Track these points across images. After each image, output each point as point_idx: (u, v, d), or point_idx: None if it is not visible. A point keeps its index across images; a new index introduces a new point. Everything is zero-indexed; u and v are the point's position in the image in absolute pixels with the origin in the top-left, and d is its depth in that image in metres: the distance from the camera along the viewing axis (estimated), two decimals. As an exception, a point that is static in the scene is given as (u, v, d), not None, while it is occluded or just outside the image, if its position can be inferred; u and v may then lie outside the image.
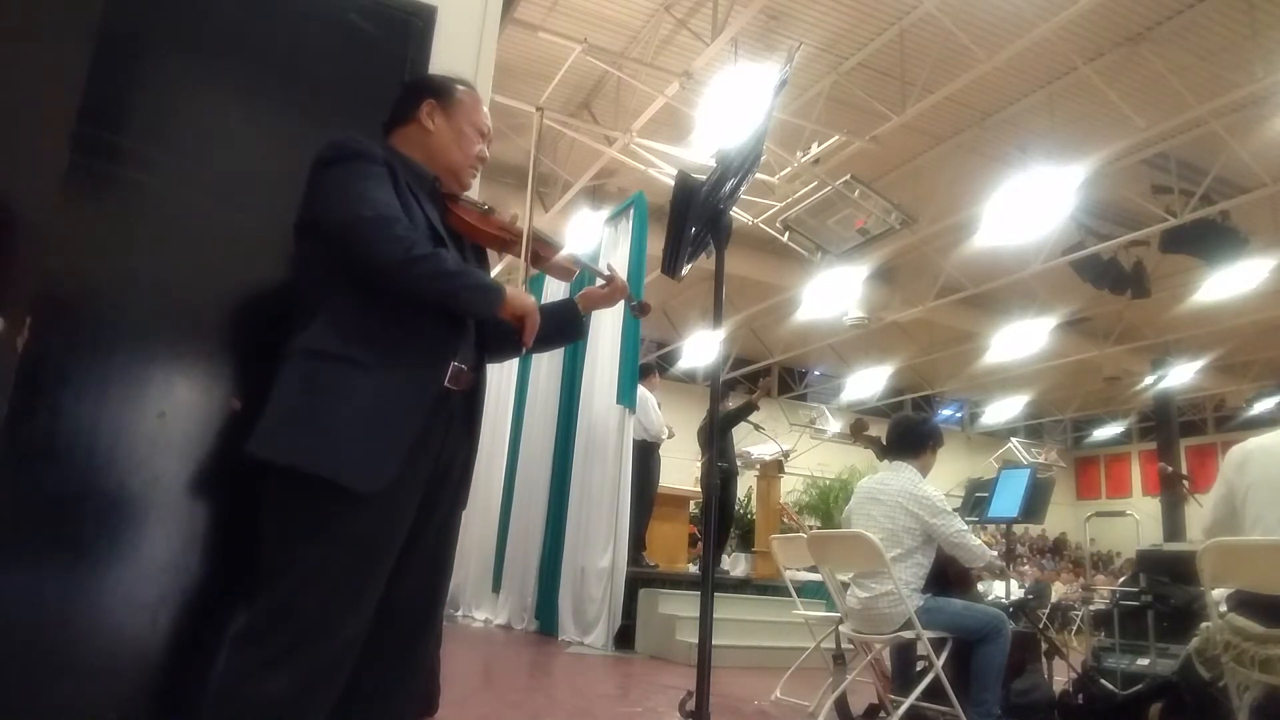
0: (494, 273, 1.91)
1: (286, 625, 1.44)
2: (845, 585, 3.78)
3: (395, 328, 1.57)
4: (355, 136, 1.64)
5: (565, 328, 1.94)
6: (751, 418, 7.49)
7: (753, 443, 8.43)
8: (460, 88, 1.84)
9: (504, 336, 1.76)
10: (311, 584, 1.46)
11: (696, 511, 8.62)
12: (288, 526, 1.50)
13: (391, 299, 1.57)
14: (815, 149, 8.91)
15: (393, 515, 1.54)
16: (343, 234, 1.55)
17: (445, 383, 1.61)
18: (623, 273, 6.70)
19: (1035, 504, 4.49)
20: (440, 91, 1.82)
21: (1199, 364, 14.81)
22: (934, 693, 3.33)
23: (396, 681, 1.62)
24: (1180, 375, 15.15)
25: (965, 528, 3.53)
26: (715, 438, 2.06)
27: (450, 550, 1.73)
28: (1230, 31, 7.43)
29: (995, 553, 3.73)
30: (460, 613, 7.56)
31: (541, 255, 1.86)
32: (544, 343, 1.91)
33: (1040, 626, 4.10)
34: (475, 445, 1.75)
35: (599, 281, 1.95)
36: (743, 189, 2.02)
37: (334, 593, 1.47)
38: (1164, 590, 3.72)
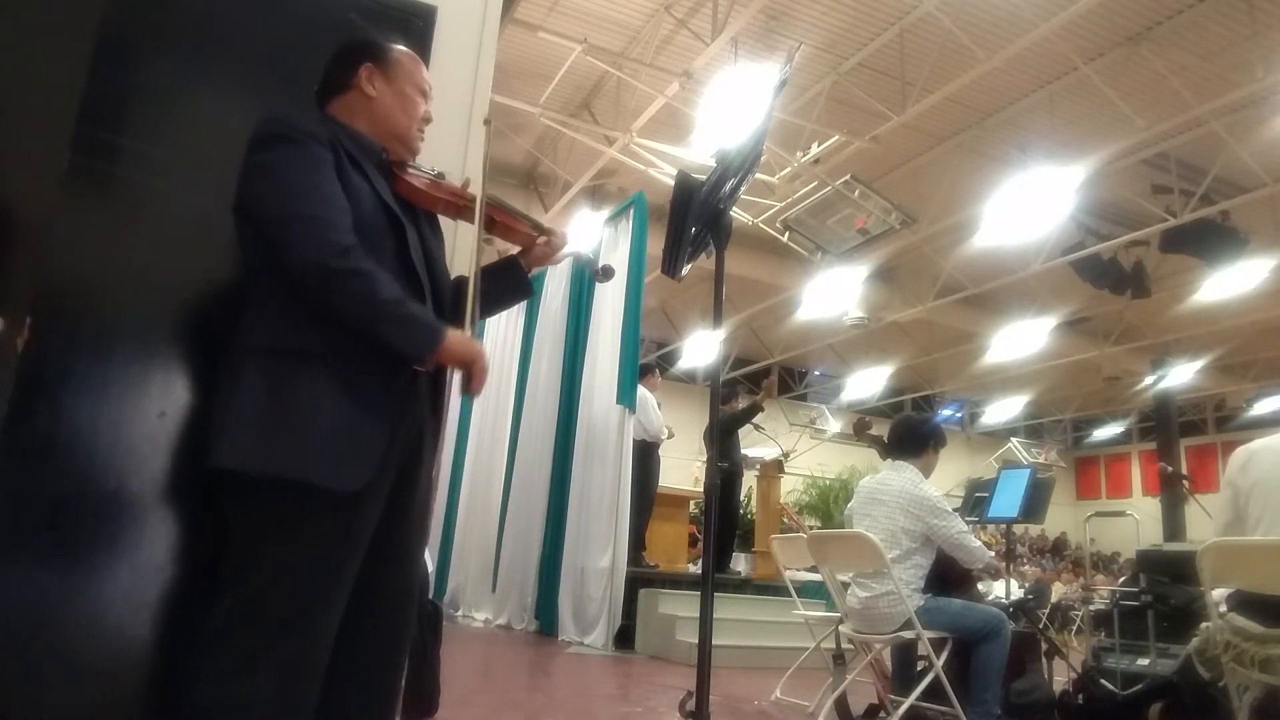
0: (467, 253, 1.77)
1: (261, 624, 1.41)
2: (845, 585, 3.78)
3: None
4: (293, 112, 1.57)
5: (513, 288, 1.87)
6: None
7: (752, 443, 8.43)
8: (397, 47, 1.75)
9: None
10: (284, 582, 1.43)
11: (697, 511, 8.62)
12: (258, 526, 1.46)
13: (313, 306, 1.46)
14: (815, 149, 8.91)
15: (365, 508, 1.49)
16: (272, 230, 1.47)
17: (412, 365, 1.55)
18: (622, 274, 6.67)
19: (1035, 504, 4.49)
20: (378, 54, 1.72)
21: (1199, 364, 14.80)
22: (934, 693, 3.33)
23: (383, 672, 1.59)
24: (1180, 375, 15.15)
25: (966, 529, 3.54)
26: (716, 438, 2.06)
27: (425, 533, 1.69)
28: (1230, 31, 7.43)
29: (993, 554, 3.74)
30: (460, 613, 7.56)
31: (497, 221, 1.79)
32: (493, 305, 1.84)
33: (1040, 626, 4.10)
34: (441, 422, 1.69)
35: (555, 249, 1.86)
36: (743, 189, 2.03)
37: (308, 589, 1.44)
38: (1164, 590, 3.72)
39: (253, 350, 1.49)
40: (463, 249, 1.70)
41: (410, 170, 1.71)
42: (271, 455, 1.42)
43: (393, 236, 1.59)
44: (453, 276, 1.80)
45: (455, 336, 1.52)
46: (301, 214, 1.46)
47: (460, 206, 1.73)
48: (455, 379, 1.61)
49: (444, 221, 1.84)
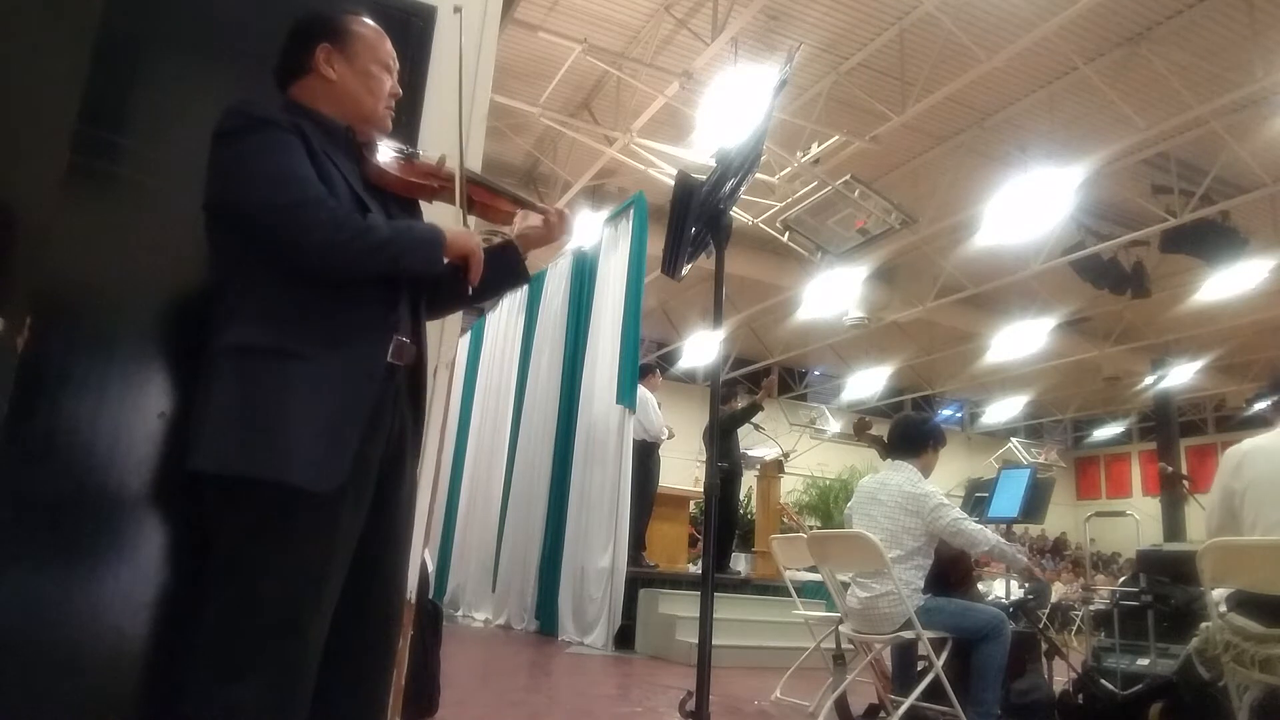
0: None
1: (249, 628, 1.39)
2: (845, 585, 3.78)
3: (328, 309, 1.47)
4: (254, 100, 1.52)
5: (507, 273, 1.78)
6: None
7: (752, 443, 8.43)
8: (356, 20, 1.65)
9: (442, 291, 1.67)
10: (270, 585, 1.40)
11: (696, 512, 8.62)
12: (241, 529, 1.43)
13: (329, 283, 1.47)
14: (815, 149, 8.92)
15: (347, 508, 1.46)
16: (264, 220, 1.43)
17: (389, 359, 1.53)
18: (622, 274, 6.62)
19: (1035, 504, 4.49)
20: (334, 32, 1.61)
21: (1199, 364, 14.81)
22: (934, 693, 3.33)
23: (374, 673, 1.58)
24: (1180, 375, 15.15)
25: (962, 515, 3.51)
26: (715, 438, 2.06)
27: (411, 531, 1.66)
28: (1230, 31, 7.43)
29: (1018, 548, 3.63)
30: (460, 613, 7.56)
31: (477, 200, 1.72)
32: (486, 291, 1.77)
33: (1040, 626, 4.10)
34: (423, 420, 1.67)
35: (532, 219, 1.78)
36: (743, 189, 2.03)
37: (294, 592, 1.41)
38: (1164, 590, 3.72)
39: (226, 350, 1.46)
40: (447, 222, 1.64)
41: (381, 153, 1.64)
42: (247, 457, 1.40)
43: None
44: None
45: (453, 232, 1.58)
46: (291, 202, 1.43)
47: (436, 188, 1.66)
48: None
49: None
